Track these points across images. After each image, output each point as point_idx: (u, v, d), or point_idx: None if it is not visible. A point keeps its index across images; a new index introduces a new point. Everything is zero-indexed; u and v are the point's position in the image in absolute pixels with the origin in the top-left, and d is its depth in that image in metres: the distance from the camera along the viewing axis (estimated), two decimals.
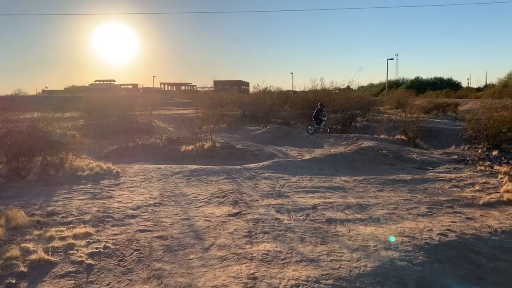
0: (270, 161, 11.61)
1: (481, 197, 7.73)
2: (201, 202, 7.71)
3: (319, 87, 32.67)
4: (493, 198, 7.53)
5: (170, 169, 10.66)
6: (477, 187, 8.48)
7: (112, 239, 5.61)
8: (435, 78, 75.51)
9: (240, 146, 14.37)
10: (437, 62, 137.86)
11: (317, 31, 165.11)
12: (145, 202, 7.61)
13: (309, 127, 20.32)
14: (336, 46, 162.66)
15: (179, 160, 12.93)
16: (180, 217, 6.73)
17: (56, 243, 5.30)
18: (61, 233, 5.69)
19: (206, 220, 6.55)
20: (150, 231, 6.03)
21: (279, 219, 6.55)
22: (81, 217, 6.48)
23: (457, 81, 75.42)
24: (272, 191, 8.41)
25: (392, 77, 74.19)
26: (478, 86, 73.62)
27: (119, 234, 5.86)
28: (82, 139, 16.43)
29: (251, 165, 10.94)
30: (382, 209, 7.12)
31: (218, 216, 6.75)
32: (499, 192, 7.92)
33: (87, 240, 5.51)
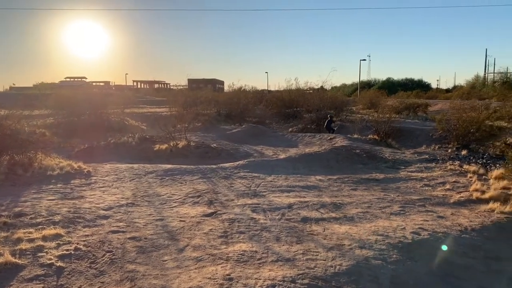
0: (246, 160, 11.57)
1: (452, 196, 7.92)
2: (175, 202, 7.60)
3: (293, 87, 32.95)
4: (463, 197, 7.72)
5: (143, 168, 10.48)
6: (447, 186, 8.68)
7: (83, 241, 5.46)
8: (406, 79, 77.17)
9: (215, 145, 14.27)
10: (408, 64, 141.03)
11: (292, 31, 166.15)
12: (118, 203, 7.45)
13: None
14: (310, 46, 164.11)
15: (152, 159, 12.73)
16: (153, 218, 6.62)
17: (24, 245, 5.12)
18: (30, 234, 5.50)
19: (181, 221, 6.46)
20: (123, 232, 5.90)
21: (255, 218, 6.52)
22: (50, 218, 6.28)
23: (427, 82, 77.34)
24: (248, 191, 8.38)
25: (364, 77, 75.45)
26: (447, 87, 75.63)
27: (91, 235, 5.71)
28: (52, 137, 16.01)
29: (226, 165, 10.88)
30: (356, 208, 7.19)
31: (193, 216, 6.67)
32: (469, 191, 8.13)
33: (57, 242, 5.35)
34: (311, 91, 33.45)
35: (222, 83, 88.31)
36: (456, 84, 74.11)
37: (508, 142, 15.94)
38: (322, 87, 36.46)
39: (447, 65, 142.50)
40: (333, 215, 6.79)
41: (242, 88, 36.51)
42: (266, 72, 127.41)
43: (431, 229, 5.92)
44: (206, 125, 21.02)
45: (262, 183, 9.02)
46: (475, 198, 7.57)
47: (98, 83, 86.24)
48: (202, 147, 13.65)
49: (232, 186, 8.75)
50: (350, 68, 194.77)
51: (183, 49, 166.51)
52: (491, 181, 8.73)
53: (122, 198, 7.82)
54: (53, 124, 21.68)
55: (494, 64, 70.29)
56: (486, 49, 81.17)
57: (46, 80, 77.18)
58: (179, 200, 7.75)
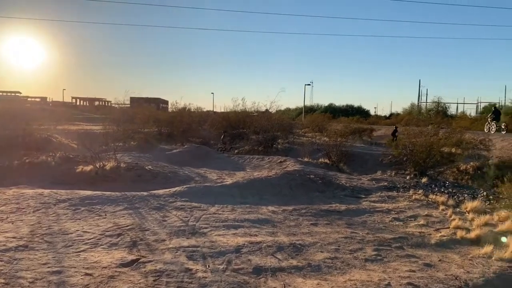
0: (185, 186, 9.81)
1: (431, 234, 6.65)
2: (86, 244, 5.71)
3: (240, 107, 31.66)
4: (444, 236, 6.47)
5: (55, 195, 8.42)
6: (421, 221, 7.44)
7: None
8: (347, 105, 78.72)
9: (150, 167, 12.36)
10: (347, 91, 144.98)
11: (237, 51, 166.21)
12: (4, 245, 5.45)
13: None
14: (256, 67, 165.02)
15: (72, 184, 10.61)
16: (48, 269, 4.71)
17: None
18: None
19: (87, 274, 4.61)
20: None
21: (191, 270, 4.81)
22: None
23: (366, 109, 79.29)
24: (185, 227, 6.64)
25: (307, 102, 76.48)
26: (384, 114, 77.86)
27: None
28: None
29: (161, 192, 9.05)
30: (321, 252, 5.70)
31: (105, 267, 4.83)
32: (449, 227, 6.94)
33: None
34: (256, 114, 32.36)
35: (166, 102, 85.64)
36: (393, 111, 76.50)
37: (461, 168, 15.45)
38: (267, 110, 35.54)
39: (383, 93, 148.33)
40: (294, 262, 5.24)
41: (187, 108, 34.60)
42: (212, 93, 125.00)
43: (423, 284, 4.52)
44: (143, 144, 19.00)
45: (204, 216, 7.32)
46: (460, 238, 6.34)
47: (34, 99, 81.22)
48: (134, 170, 11.70)
49: (165, 221, 6.97)
50: (293, 93, 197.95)
51: (127, 66, 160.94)
52: (470, 215, 7.64)
53: (14, 237, 5.81)
54: None
55: (427, 94, 73.54)
56: (420, 80, 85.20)
57: None
58: (91, 240, 5.86)
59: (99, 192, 8.84)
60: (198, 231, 6.45)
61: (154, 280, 4.48)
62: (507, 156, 16.71)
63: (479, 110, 60.46)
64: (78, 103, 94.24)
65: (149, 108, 39.21)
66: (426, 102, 67.59)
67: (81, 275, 4.58)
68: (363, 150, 22.34)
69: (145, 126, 24.01)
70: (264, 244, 5.86)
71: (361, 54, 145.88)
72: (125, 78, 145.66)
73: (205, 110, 51.47)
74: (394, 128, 28.00)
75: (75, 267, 4.82)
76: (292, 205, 8.65)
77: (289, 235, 6.45)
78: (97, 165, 11.42)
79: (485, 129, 27.45)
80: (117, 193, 8.78)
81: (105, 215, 7.20)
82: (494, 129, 26.51)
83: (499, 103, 53.40)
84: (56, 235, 6.02)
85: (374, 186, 11.32)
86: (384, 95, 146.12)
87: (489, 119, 28.01)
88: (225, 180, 11.57)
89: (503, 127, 27.27)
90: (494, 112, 27.96)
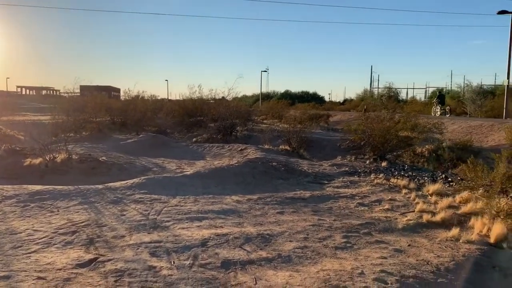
0: (143, 177, 9.37)
1: (397, 219, 6.66)
2: (37, 243, 5.23)
3: (197, 95, 31.00)
4: (411, 220, 6.50)
5: (0, 191, 7.73)
6: (386, 206, 7.46)
7: None
8: (302, 91, 79.68)
9: (104, 158, 11.76)
10: (302, 77, 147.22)
11: (192, 37, 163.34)
12: None
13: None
14: (212, 54, 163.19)
15: (20, 178, 9.89)
16: None
17: None
18: None
19: (39, 278, 4.18)
20: None
21: (155, 267, 4.50)
22: None
23: (321, 95, 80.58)
24: (145, 221, 6.28)
25: (263, 89, 76.68)
26: (338, 100, 79.45)
27: None
28: None
29: (117, 184, 8.57)
30: (290, 241, 5.53)
31: (60, 269, 4.42)
32: (414, 211, 6.99)
33: None
34: (213, 101, 31.88)
35: (118, 90, 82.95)
36: (346, 97, 78.16)
37: (417, 151, 15.87)
38: (223, 97, 35.12)
39: (336, 79, 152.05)
40: (264, 254, 5.04)
41: (140, 96, 33.44)
42: (166, 80, 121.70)
43: (396, 271, 4.45)
44: (96, 134, 18.13)
45: (165, 209, 6.97)
46: (426, 222, 6.38)
47: None
48: (87, 161, 11.07)
49: (124, 215, 6.57)
50: (249, 80, 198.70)
51: (76, 53, 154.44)
52: (433, 198, 7.74)
53: None
54: None
55: (378, 79, 76.02)
56: (372, 66, 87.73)
57: None
58: (44, 239, 5.39)
59: (50, 186, 8.24)
60: (160, 225, 6.10)
61: (115, 281, 4.13)
62: (458, 139, 17.38)
63: (427, 94, 62.99)
64: (24, 93, 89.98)
65: (101, 96, 37.70)
66: (378, 88, 69.65)
67: (33, 279, 4.15)
68: (321, 136, 22.50)
69: (97, 115, 23.01)
70: (231, 236, 5.62)
71: (314, 40, 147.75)
72: (74, 66, 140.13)
73: (159, 97, 50.12)
74: (364, 108, 29.61)
75: (26, 271, 4.37)
76: (257, 193, 8.45)
77: (256, 225, 6.24)
78: (47, 158, 10.70)
79: (432, 113, 28.86)
80: (69, 187, 8.22)
81: (58, 211, 6.69)
82: (439, 112, 28.09)
83: (446, 87, 55.93)
84: (3, 236, 5.49)
85: (336, 172, 11.34)
86: (338, 81, 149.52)
87: (435, 103, 29.62)
88: (185, 170, 11.21)
89: (447, 110, 29.14)
90: (439, 96, 29.87)
